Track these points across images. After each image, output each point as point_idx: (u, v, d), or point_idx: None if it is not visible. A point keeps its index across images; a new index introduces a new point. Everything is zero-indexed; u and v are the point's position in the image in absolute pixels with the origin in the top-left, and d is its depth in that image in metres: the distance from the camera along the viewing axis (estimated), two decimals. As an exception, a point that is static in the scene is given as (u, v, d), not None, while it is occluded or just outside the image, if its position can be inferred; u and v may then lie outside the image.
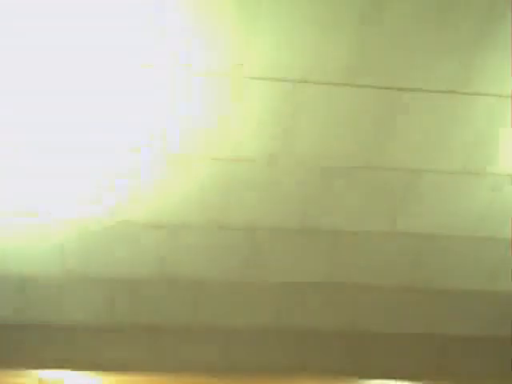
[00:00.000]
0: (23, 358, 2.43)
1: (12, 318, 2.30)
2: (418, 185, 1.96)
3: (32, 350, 2.42)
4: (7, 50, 1.49)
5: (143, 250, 2.08)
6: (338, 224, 2.05)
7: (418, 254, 2.17)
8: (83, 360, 2.45)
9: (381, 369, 2.61)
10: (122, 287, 2.19)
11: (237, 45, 1.54)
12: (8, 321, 2.32)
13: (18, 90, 1.59)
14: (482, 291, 2.32)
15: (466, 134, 1.82)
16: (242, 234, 2.05)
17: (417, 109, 1.75)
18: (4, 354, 2.41)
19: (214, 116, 1.70)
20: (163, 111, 1.68)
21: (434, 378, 2.67)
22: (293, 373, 2.58)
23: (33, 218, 1.93)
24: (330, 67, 1.63)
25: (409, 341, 2.53)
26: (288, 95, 1.69)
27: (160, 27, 1.48)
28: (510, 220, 2.06)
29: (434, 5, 1.48)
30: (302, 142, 1.81)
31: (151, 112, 1.68)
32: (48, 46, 1.50)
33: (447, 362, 2.62)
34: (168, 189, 1.89)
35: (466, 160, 1.89)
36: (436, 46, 1.60)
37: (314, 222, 2.04)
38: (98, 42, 1.51)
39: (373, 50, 1.60)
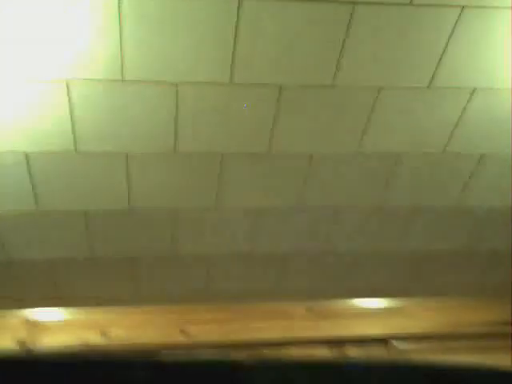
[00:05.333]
0: (6, 296, 2.45)
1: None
2: (382, 103, 1.94)
3: (14, 289, 2.42)
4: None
5: (108, 182, 2.05)
6: (304, 146, 2.04)
7: (387, 173, 2.17)
8: (65, 296, 2.47)
9: (360, 287, 2.68)
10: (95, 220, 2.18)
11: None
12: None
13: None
14: (454, 207, 2.34)
15: (428, 47, 1.81)
16: (205, 160, 2.03)
17: (373, 23, 1.72)
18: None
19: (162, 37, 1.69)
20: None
21: (410, 294, 2.77)
22: (273, 296, 2.65)
23: None
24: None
25: (384, 259, 2.56)
26: (232, 12, 1.65)
27: None
28: (478, 135, 2.06)
29: None
30: (257, 61, 1.77)
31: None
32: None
33: (423, 277, 2.68)
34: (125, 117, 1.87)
35: (430, 75, 1.88)
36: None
37: (280, 146, 2.02)
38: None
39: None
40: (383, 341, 2.67)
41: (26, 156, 1.92)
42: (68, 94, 1.78)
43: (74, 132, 1.87)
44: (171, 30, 1.67)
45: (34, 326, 2.48)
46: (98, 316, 2.53)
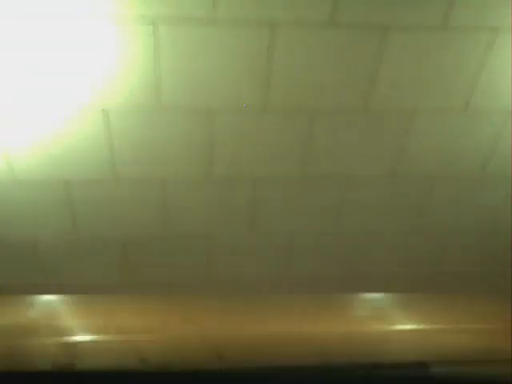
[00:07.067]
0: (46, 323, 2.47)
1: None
2: (417, 126, 1.94)
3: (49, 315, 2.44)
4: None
5: (146, 208, 2.08)
6: (337, 171, 2.04)
7: (421, 196, 2.16)
8: (99, 323, 2.49)
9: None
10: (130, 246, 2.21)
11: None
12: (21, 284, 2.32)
13: None
14: (488, 231, 2.31)
15: (463, 70, 1.81)
16: (238, 184, 2.05)
17: (406, 47, 1.74)
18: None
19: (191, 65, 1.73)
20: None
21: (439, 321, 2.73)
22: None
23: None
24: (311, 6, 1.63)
25: (422, 282, 2.54)
26: (263, 38, 1.68)
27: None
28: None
29: None
30: (290, 86, 1.80)
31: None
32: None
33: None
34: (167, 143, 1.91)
35: (465, 98, 1.87)
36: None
37: (313, 171, 2.03)
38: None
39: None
40: (422, 365, 2.62)
41: (65, 183, 1.97)
42: (106, 122, 1.82)
43: (111, 159, 1.92)
44: (205, 58, 1.71)
45: (72, 351, 2.51)
46: (136, 341, 2.55)
